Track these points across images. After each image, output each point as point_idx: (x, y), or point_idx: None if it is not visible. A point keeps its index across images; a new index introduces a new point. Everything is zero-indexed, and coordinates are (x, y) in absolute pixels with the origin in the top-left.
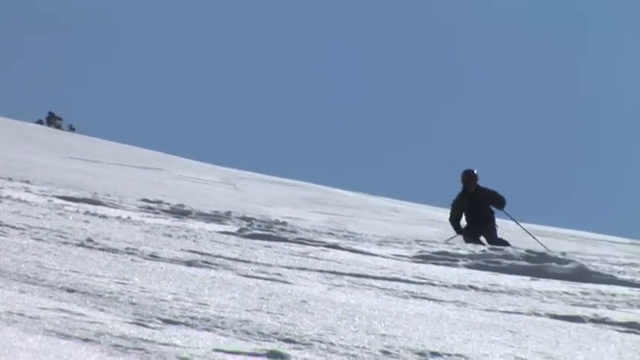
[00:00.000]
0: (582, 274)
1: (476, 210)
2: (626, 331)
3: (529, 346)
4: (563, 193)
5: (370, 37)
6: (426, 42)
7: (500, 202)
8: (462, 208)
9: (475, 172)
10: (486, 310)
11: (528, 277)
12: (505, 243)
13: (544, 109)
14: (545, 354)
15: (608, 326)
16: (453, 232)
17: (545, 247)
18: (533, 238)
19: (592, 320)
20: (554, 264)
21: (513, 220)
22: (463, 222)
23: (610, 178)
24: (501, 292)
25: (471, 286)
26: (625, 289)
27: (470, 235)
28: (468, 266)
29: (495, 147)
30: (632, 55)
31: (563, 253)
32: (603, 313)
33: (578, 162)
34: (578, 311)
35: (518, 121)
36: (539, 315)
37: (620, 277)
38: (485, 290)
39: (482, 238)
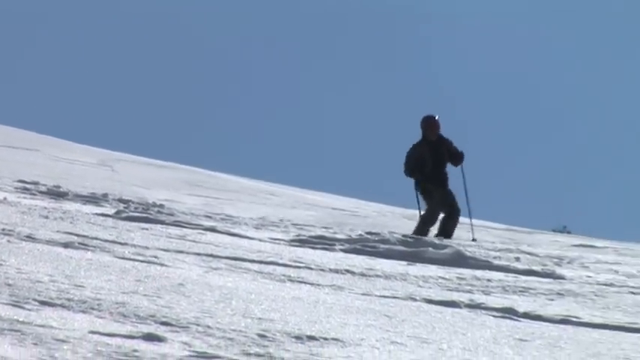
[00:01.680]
0: (458, 260)
1: (439, 162)
2: (501, 317)
3: (405, 331)
4: None
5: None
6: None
7: (458, 156)
8: (423, 154)
9: (437, 117)
10: (363, 295)
11: (405, 262)
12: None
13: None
14: (421, 338)
15: (483, 311)
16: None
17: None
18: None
19: (468, 305)
20: (430, 249)
21: (464, 184)
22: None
23: (484, 163)
24: (378, 276)
25: (348, 271)
26: (500, 275)
27: (436, 203)
28: (345, 250)
29: (368, 130)
30: (529, 35)
31: (439, 238)
32: (479, 298)
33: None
34: (454, 296)
35: (385, 106)
36: (415, 300)
37: (496, 262)
38: (362, 274)
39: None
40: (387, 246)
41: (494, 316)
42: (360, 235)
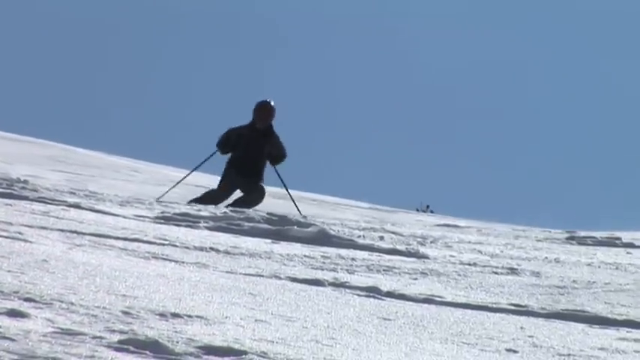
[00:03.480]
0: (323, 238)
1: (254, 153)
2: (365, 295)
3: (269, 309)
4: (300, 156)
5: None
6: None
7: (279, 155)
8: (239, 137)
9: (272, 104)
10: (227, 272)
11: (269, 240)
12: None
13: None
14: (285, 317)
15: (347, 290)
16: (194, 194)
17: (300, 212)
18: (296, 206)
19: (332, 284)
20: (295, 227)
21: (283, 184)
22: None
23: (345, 141)
24: (242, 254)
25: (212, 248)
26: (365, 254)
27: (227, 185)
28: (210, 228)
29: (226, 105)
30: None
31: (304, 217)
32: (343, 277)
33: (314, 124)
34: (319, 275)
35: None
36: (279, 278)
37: (360, 241)
38: (227, 252)
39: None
40: (251, 224)
41: (358, 294)
42: (225, 212)
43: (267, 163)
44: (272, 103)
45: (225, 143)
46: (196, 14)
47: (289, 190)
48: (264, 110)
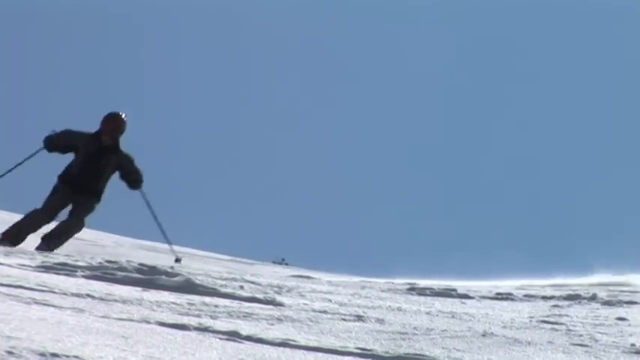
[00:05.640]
0: (189, 287)
1: (94, 170)
2: (227, 339)
3: (139, 350)
4: (170, 213)
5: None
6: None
7: (135, 180)
8: (78, 144)
9: (124, 117)
10: (102, 317)
11: (140, 288)
12: (65, 233)
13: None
14: (154, 358)
15: (210, 334)
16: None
17: (170, 243)
18: (165, 236)
19: (196, 328)
20: (163, 276)
21: (151, 211)
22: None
23: (210, 197)
24: (115, 300)
25: (88, 295)
26: (227, 301)
27: (57, 203)
28: (86, 277)
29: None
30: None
31: (171, 267)
32: (207, 322)
33: (171, 178)
34: (185, 320)
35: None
36: (149, 322)
37: (222, 290)
38: (101, 299)
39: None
40: (124, 273)
41: (220, 338)
42: (100, 262)
43: (115, 181)
44: (124, 117)
45: (57, 142)
46: None
47: (158, 220)
48: (113, 123)
